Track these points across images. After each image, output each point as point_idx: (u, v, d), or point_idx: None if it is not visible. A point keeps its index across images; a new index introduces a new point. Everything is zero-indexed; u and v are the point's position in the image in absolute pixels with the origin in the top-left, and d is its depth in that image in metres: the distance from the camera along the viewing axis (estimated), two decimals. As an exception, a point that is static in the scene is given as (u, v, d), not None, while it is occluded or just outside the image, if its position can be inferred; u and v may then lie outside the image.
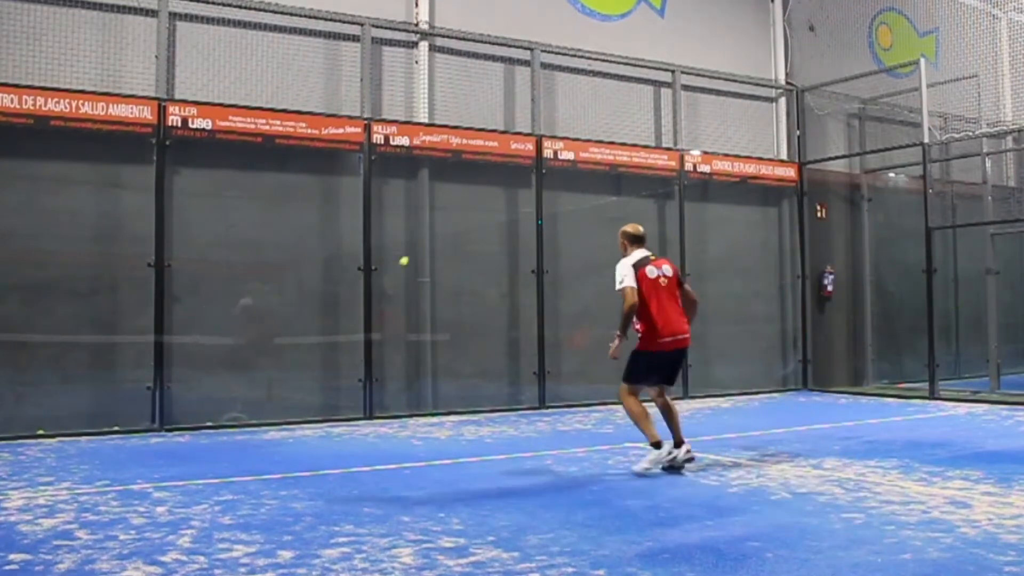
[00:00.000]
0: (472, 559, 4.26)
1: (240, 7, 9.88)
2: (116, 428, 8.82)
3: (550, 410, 10.95)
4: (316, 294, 10.39)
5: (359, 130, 10.29)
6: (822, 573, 3.99)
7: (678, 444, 6.59)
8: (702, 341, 12.46)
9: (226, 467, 6.95)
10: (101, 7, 9.26)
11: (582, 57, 11.99)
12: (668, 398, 6.80)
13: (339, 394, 10.15)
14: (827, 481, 6.15)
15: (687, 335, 6.74)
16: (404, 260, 10.14)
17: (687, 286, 6.99)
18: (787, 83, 13.83)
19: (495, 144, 11.12)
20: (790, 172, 13.60)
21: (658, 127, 12.74)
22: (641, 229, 6.90)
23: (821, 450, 7.55)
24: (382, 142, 10.39)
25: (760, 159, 13.38)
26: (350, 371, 10.10)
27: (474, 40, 11.24)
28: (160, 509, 5.38)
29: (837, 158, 13.68)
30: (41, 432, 8.48)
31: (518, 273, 11.27)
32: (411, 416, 10.17)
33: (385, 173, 10.51)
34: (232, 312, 9.69)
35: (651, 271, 6.67)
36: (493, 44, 11.36)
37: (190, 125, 9.40)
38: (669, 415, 6.73)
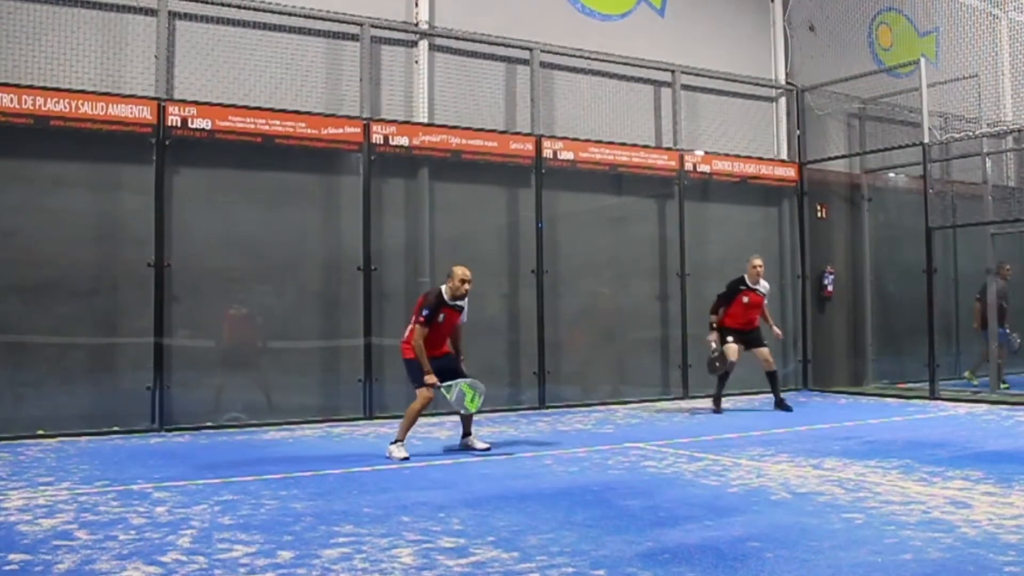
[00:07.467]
0: (472, 559, 4.26)
1: (240, 7, 9.87)
2: (116, 428, 8.83)
3: (550, 410, 10.93)
4: (316, 294, 10.37)
5: (358, 130, 10.28)
6: (822, 573, 3.98)
7: None
8: (703, 341, 12.48)
9: (226, 467, 6.95)
10: (101, 7, 9.26)
11: (582, 57, 11.98)
12: None
13: (339, 394, 10.15)
14: (827, 481, 6.14)
15: None
16: None
17: None
18: (787, 83, 13.83)
19: (495, 144, 11.11)
20: (790, 172, 13.60)
21: (658, 127, 12.73)
22: None
23: (821, 450, 7.55)
24: (382, 142, 10.39)
25: (760, 159, 13.37)
26: (350, 371, 10.10)
27: (474, 40, 11.23)
28: (160, 509, 5.38)
29: (837, 158, 13.67)
30: (41, 432, 8.48)
31: (518, 273, 11.26)
32: (411, 416, 10.15)
33: (385, 173, 10.51)
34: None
35: None
36: (493, 44, 11.35)
37: (190, 125, 9.39)
38: None
